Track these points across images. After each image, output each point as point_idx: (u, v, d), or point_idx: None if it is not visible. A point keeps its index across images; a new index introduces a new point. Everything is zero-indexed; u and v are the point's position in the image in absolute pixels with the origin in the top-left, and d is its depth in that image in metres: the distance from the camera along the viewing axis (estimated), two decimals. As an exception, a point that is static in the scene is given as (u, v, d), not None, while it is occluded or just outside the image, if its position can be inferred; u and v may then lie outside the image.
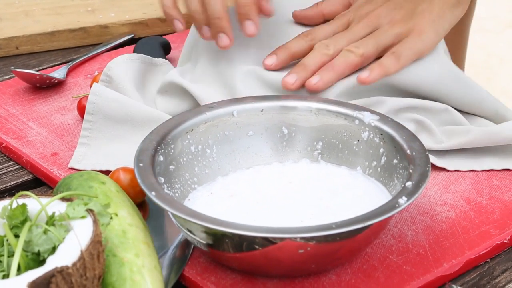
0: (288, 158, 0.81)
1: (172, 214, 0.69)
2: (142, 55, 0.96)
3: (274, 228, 0.65)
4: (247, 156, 0.81)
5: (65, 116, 0.95)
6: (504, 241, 0.75)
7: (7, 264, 0.63)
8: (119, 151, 0.86)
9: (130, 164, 0.82)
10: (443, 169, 0.85)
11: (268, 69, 0.89)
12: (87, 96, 0.93)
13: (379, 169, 0.77)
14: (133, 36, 1.15)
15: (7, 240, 0.64)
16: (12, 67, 1.05)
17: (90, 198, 0.68)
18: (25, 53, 1.13)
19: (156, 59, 0.98)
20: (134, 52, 1.05)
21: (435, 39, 0.90)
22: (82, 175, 0.75)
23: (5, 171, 0.88)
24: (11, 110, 0.96)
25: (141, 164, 0.72)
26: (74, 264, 0.60)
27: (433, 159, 0.85)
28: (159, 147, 0.75)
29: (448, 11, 0.90)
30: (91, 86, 0.97)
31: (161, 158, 0.75)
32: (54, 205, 0.66)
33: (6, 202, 0.66)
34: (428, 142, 0.86)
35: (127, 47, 1.11)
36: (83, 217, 0.64)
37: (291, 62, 0.90)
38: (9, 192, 0.85)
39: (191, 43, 0.96)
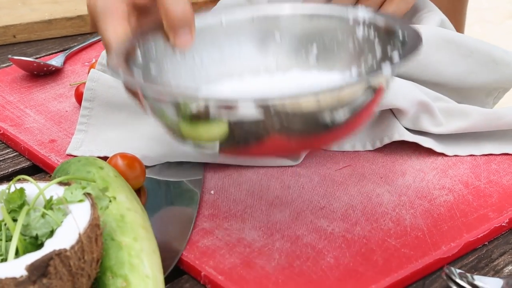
0: (279, 66, 0.78)
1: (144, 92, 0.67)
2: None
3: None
4: (236, 63, 0.77)
5: (62, 103, 0.95)
6: (502, 224, 0.75)
7: (5, 248, 0.63)
8: (117, 137, 0.86)
9: (129, 150, 0.82)
10: (441, 154, 0.85)
11: None
12: (85, 83, 0.93)
13: (375, 66, 0.74)
14: (130, 24, 1.15)
15: (5, 224, 0.63)
16: (10, 55, 1.04)
17: (88, 183, 0.68)
18: (22, 42, 1.12)
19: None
20: (131, 39, 1.05)
21: None
22: (80, 160, 0.75)
23: (3, 158, 0.88)
24: (8, 98, 0.96)
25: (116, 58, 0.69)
26: (72, 247, 0.60)
27: (432, 144, 0.85)
28: (139, 47, 0.72)
29: None
30: (88, 73, 0.97)
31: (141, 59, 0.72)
32: (52, 190, 0.66)
33: (4, 186, 0.66)
34: (428, 125, 0.85)
35: (124, 35, 1.11)
36: (81, 200, 0.64)
37: None
38: (7, 179, 0.85)
39: None
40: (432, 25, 0.90)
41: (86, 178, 0.69)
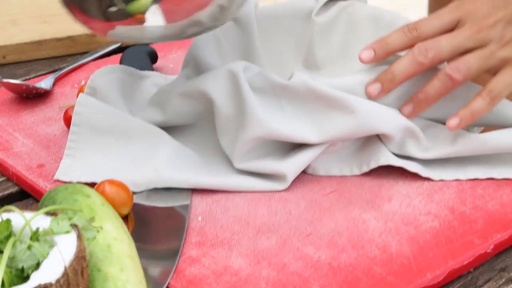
0: None
1: None
2: (125, 66, 0.96)
3: None
4: None
5: (51, 126, 0.95)
6: (487, 250, 0.76)
7: (-9, 280, 0.63)
8: (105, 163, 0.86)
9: (117, 176, 0.83)
10: (428, 178, 0.85)
11: (365, 63, 0.85)
12: (73, 107, 0.93)
13: None
14: (120, 45, 1.15)
15: (-9, 256, 0.64)
16: (-1, 77, 1.05)
17: (74, 212, 0.68)
18: (12, 62, 1.13)
19: (141, 71, 0.98)
20: (120, 61, 1.05)
21: None
22: (67, 188, 0.75)
23: (-8, 183, 0.88)
24: (-3, 121, 0.97)
25: None
26: (58, 281, 0.60)
27: (418, 168, 0.85)
28: None
29: None
30: (77, 96, 0.97)
31: None
32: (39, 220, 0.66)
33: (-10, 217, 0.66)
34: (414, 150, 0.86)
35: (114, 56, 1.11)
36: (67, 232, 0.65)
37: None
38: (-4, 204, 0.85)
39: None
40: None
41: (73, 208, 0.69)
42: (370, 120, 0.83)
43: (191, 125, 0.91)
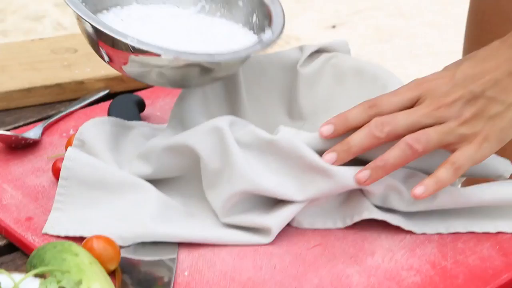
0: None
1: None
2: (113, 118, 0.98)
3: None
4: None
5: (40, 178, 0.97)
6: (468, 307, 0.77)
7: None
8: (92, 217, 0.87)
9: (104, 230, 0.84)
10: (410, 231, 0.87)
11: (324, 138, 0.86)
12: (62, 158, 0.95)
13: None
14: (108, 92, 1.17)
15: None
16: (-12, 126, 1.06)
17: (63, 274, 0.69)
18: (1, 110, 1.14)
19: (128, 121, 1.00)
20: (109, 110, 1.07)
21: (496, 149, 0.84)
22: (55, 247, 0.77)
23: (-19, 236, 0.89)
24: (-14, 172, 0.98)
25: None
26: None
27: (400, 221, 0.87)
28: None
29: None
30: (66, 147, 0.99)
31: None
32: (27, 282, 0.67)
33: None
34: (396, 204, 0.88)
35: (102, 103, 1.13)
36: (55, 295, 0.66)
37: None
38: (-16, 258, 0.87)
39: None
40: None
41: (61, 268, 0.71)
42: (350, 182, 0.85)
43: (177, 177, 0.93)
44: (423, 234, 0.87)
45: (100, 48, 0.91)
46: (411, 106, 0.86)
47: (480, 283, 0.80)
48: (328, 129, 0.86)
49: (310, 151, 0.86)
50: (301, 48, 1.03)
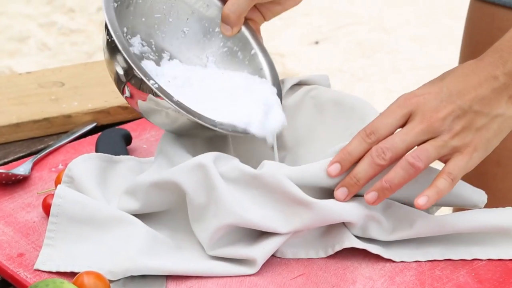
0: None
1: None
2: (101, 154, 1.01)
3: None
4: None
5: (30, 213, 1.00)
6: (445, 333, 0.80)
7: None
8: (83, 252, 0.90)
9: (94, 265, 0.87)
10: (389, 259, 0.90)
11: (333, 177, 0.90)
12: (52, 194, 0.98)
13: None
14: (96, 124, 1.20)
15: None
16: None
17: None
18: (-10, 145, 1.17)
19: (116, 156, 1.03)
20: (96, 144, 1.10)
21: (483, 157, 0.90)
22: (47, 285, 0.80)
23: (-26, 272, 0.92)
24: (-22, 209, 1.01)
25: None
26: None
27: (380, 250, 0.90)
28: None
29: (505, 130, 0.91)
30: (55, 183, 1.02)
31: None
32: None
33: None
34: (376, 234, 0.91)
35: (90, 137, 1.16)
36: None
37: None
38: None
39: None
40: None
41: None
42: (332, 214, 0.89)
43: (164, 211, 0.96)
44: (402, 262, 0.90)
45: (126, 87, 0.94)
46: (404, 123, 0.90)
47: (456, 309, 0.83)
48: (335, 169, 0.90)
49: (293, 185, 0.89)
50: (282, 81, 1.07)
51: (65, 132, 1.20)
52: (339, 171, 0.90)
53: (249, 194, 0.91)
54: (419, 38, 3.26)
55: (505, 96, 0.89)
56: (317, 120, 1.05)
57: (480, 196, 0.93)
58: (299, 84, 1.06)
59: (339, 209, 0.89)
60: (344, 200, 0.90)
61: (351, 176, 0.89)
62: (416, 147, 0.89)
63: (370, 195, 0.89)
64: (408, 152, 0.89)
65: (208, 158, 0.91)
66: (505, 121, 0.90)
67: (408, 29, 3.32)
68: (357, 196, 0.91)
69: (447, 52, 2.76)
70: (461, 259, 0.90)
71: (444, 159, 0.89)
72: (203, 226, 0.91)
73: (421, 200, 0.87)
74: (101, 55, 1.00)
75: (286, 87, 1.05)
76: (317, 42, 3.30)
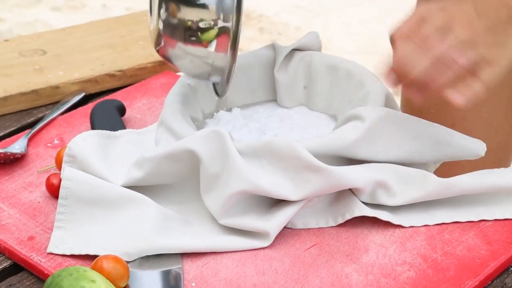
0: None
1: None
2: (100, 131, 1.00)
3: None
4: None
5: (33, 193, 0.99)
6: (462, 298, 0.83)
7: None
8: (95, 234, 0.90)
9: (108, 247, 0.88)
10: (399, 225, 0.92)
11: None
12: (55, 174, 0.97)
13: None
14: (84, 94, 1.18)
15: None
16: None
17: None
18: (-22, 119, 1.15)
19: (114, 132, 1.02)
20: (91, 118, 1.09)
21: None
22: (71, 274, 0.79)
23: (-16, 258, 0.91)
24: (-21, 191, 0.99)
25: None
26: None
27: (389, 217, 0.92)
28: None
29: None
30: (56, 160, 1.01)
31: None
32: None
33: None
34: (384, 199, 0.92)
35: (81, 108, 1.15)
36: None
37: None
38: (-9, 280, 0.89)
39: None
40: (379, 99, 0.97)
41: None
42: (343, 180, 0.90)
43: (169, 185, 0.96)
44: (411, 227, 0.92)
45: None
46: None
47: (470, 273, 0.85)
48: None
49: (305, 150, 0.90)
50: (273, 47, 1.07)
51: (53, 103, 1.18)
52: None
53: (258, 164, 0.91)
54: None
55: None
56: (312, 90, 1.06)
57: (481, 145, 0.95)
58: (293, 50, 1.06)
59: (350, 174, 0.90)
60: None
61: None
62: None
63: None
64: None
65: (224, 129, 0.91)
66: None
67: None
68: (366, 163, 0.93)
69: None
70: (468, 221, 0.92)
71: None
72: (215, 195, 0.91)
73: (457, 98, 0.88)
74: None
75: (279, 58, 1.05)
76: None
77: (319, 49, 1.10)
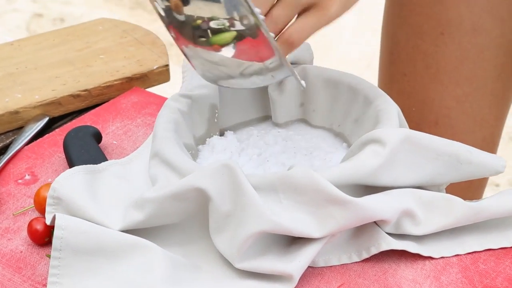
0: None
1: None
2: (83, 166, 0.89)
3: None
4: None
5: (13, 240, 0.87)
6: (514, 338, 0.77)
7: None
8: (95, 286, 0.80)
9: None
10: (428, 257, 0.85)
11: None
12: (37, 219, 0.86)
13: None
14: (48, 118, 1.06)
15: None
16: None
17: None
18: None
19: (98, 165, 0.91)
20: (64, 148, 0.97)
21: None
22: None
23: (-33, 324, 0.80)
24: None
25: None
26: None
27: (418, 248, 0.85)
28: None
29: None
30: (34, 201, 0.90)
31: None
32: None
33: None
34: (409, 228, 0.85)
35: (47, 135, 1.03)
36: None
37: None
38: None
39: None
40: (393, 119, 0.90)
41: None
42: (368, 212, 0.82)
43: (172, 225, 0.86)
44: (441, 258, 0.85)
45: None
46: None
47: (517, 309, 0.79)
48: None
49: (328, 183, 0.81)
50: None
51: (12, 131, 1.06)
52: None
53: (274, 198, 0.82)
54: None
55: None
56: (311, 107, 0.99)
57: (500, 160, 0.89)
58: None
59: (376, 206, 0.82)
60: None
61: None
62: None
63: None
64: None
65: (233, 161, 0.82)
66: None
67: None
68: (388, 189, 0.85)
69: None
70: (501, 248, 0.86)
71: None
72: (229, 236, 0.81)
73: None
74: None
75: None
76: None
77: (311, 62, 1.02)
